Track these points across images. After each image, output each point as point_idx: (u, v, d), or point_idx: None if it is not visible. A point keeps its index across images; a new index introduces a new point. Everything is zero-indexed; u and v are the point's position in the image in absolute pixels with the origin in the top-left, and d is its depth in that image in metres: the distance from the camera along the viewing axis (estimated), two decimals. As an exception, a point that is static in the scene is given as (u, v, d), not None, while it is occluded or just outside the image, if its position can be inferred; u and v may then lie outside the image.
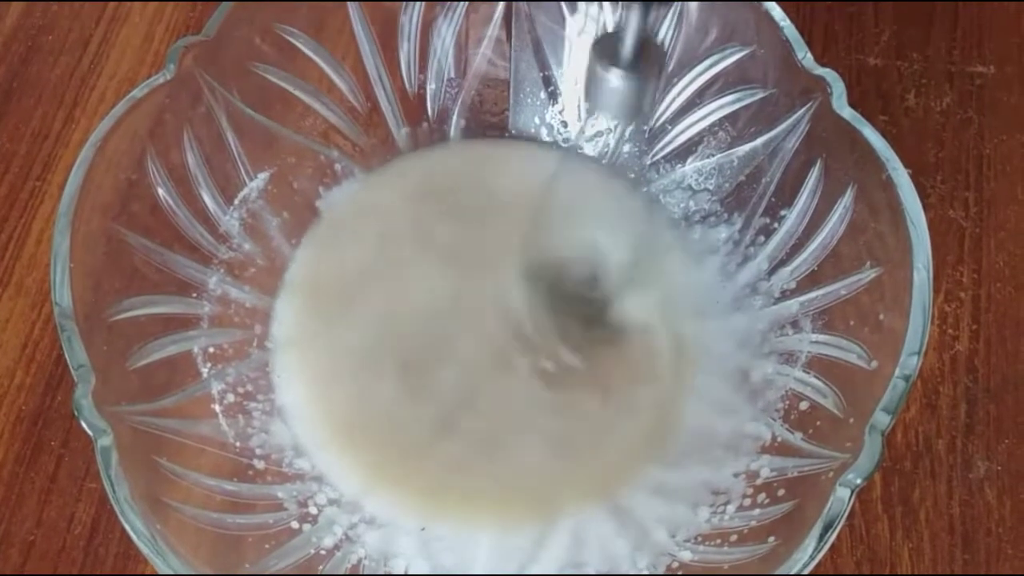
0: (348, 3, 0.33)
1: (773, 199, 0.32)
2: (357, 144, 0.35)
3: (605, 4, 0.33)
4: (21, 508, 0.31)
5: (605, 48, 0.25)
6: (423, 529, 0.29)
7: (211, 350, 0.31)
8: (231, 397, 0.30)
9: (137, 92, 0.29)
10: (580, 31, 0.35)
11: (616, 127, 0.35)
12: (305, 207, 0.34)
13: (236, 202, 0.32)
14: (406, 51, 0.35)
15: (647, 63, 0.25)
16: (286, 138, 0.33)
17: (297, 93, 0.33)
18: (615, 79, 0.25)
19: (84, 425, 0.25)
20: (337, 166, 0.35)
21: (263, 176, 0.33)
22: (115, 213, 0.29)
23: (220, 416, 0.30)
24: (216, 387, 0.30)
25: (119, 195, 0.29)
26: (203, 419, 0.29)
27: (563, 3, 0.34)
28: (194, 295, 0.31)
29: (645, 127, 0.34)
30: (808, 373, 0.29)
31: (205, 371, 0.30)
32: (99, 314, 0.27)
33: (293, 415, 0.31)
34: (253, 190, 0.33)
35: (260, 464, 0.29)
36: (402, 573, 0.28)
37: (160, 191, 0.30)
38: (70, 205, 0.27)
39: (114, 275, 0.29)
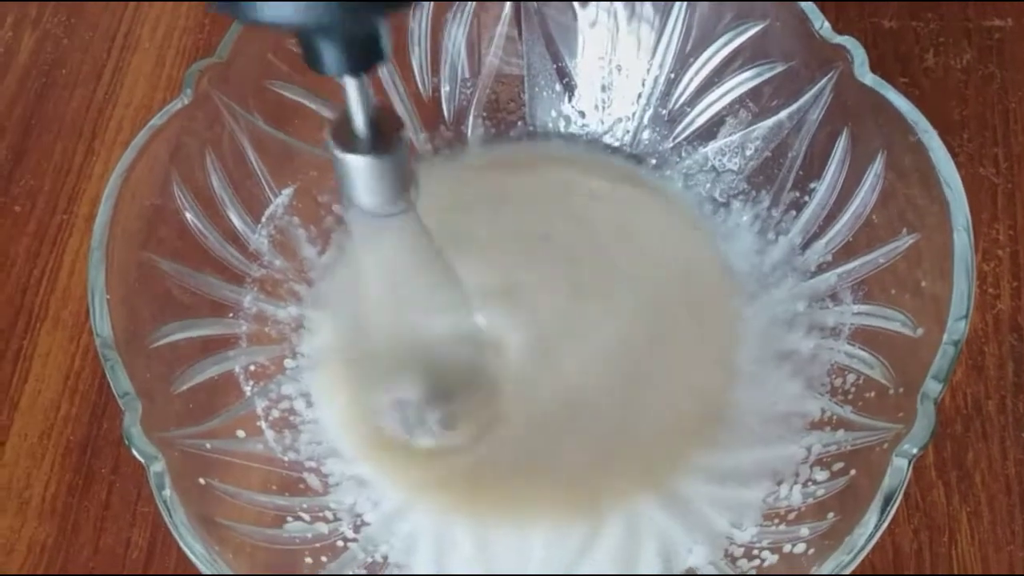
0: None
1: (801, 172, 0.31)
2: (377, 152, 0.35)
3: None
4: (78, 537, 0.31)
5: (341, 134, 0.22)
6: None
7: (252, 368, 0.31)
8: (276, 413, 0.30)
9: (157, 120, 0.29)
10: (592, 23, 0.34)
11: (633, 116, 0.35)
12: (331, 219, 0.34)
13: (263, 219, 0.33)
14: (417, 55, 0.35)
15: (385, 139, 0.23)
16: (307, 152, 0.34)
17: (314, 106, 0.33)
18: (358, 164, 0.23)
19: (135, 452, 0.25)
20: (359, 175, 0.35)
21: (287, 192, 0.33)
22: (145, 240, 0.29)
23: (267, 432, 0.30)
24: (260, 404, 0.30)
25: (147, 222, 0.29)
26: (251, 437, 0.29)
27: (574, 2, 0.34)
28: (230, 315, 0.31)
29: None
30: (853, 345, 0.28)
31: (248, 389, 0.30)
32: (139, 341, 0.28)
33: (333, 427, 0.31)
34: (279, 206, 0.33)
35: (310, 477, 0.29)
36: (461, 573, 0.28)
37: (188, 215, 0.30)
38: (102, 238, 0.27)
39: (150, 302, 0.29)
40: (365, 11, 0.19)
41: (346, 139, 0.22)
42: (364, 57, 0.21)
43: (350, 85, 0.21)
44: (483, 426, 0.30)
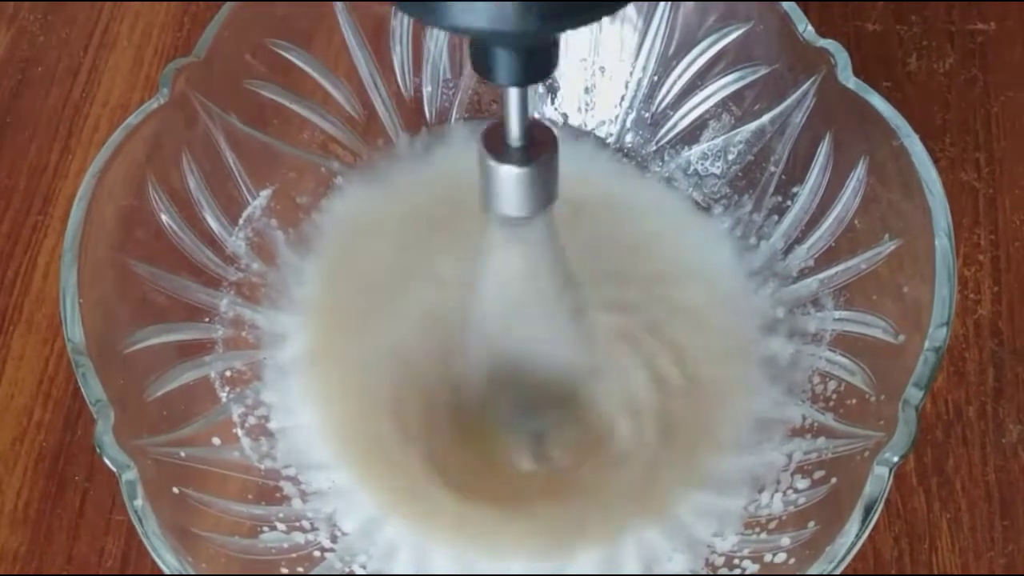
0: (336, 11, 0.33)
1: (783, 177, 0.31)
2: (357, 153, 0.35)
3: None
4: (51, 545, 0.31)
5: (492, 140, 0.22)
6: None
7: (228, 374, 0.30)
8: (252, 420, 0.30)
9: (133, 119, 0.29)
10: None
11: (616, 119, 0.35)
12: (310, 222, 0.34)
13: (241, 222, 0.32)
14: (399, 55, 0.34)
15: (539, 148, 0.22)
16: (285, 153, 0.33)
17: (293, 107, 0.33)
18: (509, 173, 0.22)
19: (107, 461, 0.24)
20: (339, 178, 0.34)
21: (265, 193, 0.33)
22: (120, 243, 0.29)
23: (243, 440, 0.29)
24: (236, 411, 0.30)
25: (122, 224, 0.29)
26: (226, 444, 0.29)
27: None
28: (206, 320, 0.31)
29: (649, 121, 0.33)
30: (834, 352, 0.28)
31: (224, 395, 0.30)
32: (112, 346, 0.27)
33: (312, 435, 0.30)
34: (257, 208, 0.33)
35: (287, 486, 0.29)
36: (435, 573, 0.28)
37: (164, 217, 0.30)
38: (74, 239, 0.27)
39: (124, 306, 0.28)
40: (559, 19, 0.18)
41: (498, 148, 0.22)
42: (537, 69, 0.20)
43: (513, 95, 0.21)
44: (580, 451, 0.29)
